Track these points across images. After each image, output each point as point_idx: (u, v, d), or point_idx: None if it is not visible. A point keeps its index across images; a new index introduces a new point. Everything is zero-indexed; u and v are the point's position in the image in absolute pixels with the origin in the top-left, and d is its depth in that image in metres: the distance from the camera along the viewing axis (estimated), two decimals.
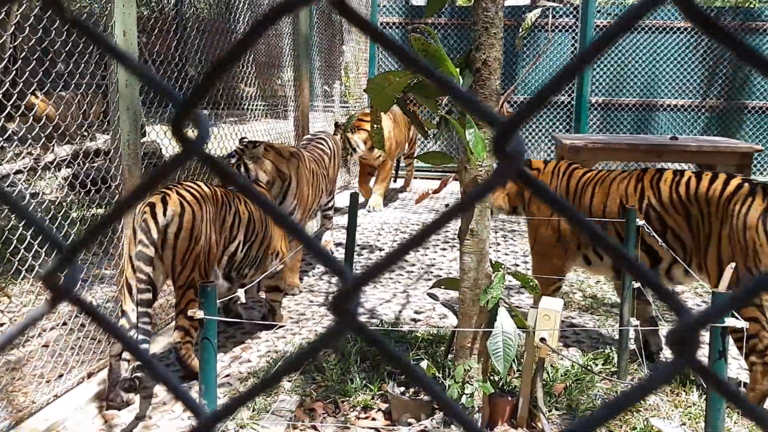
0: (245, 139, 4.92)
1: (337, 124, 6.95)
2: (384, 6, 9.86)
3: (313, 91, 7.83)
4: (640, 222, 3.67)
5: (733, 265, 2.71)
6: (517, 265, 5.86)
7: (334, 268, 0.49)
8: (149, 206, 3.49)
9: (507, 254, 6.25)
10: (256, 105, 6.46)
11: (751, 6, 10.73)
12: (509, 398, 3.28)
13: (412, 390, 3.37)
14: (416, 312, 4.84)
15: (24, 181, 5.28)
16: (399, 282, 5.52)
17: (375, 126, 3.53)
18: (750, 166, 6.34)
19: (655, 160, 6.65)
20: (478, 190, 0.51)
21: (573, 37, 9.51)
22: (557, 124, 9.82)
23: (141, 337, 3.26)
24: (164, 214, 3.47)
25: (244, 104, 6.30)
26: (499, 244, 6.52)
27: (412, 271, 5.79)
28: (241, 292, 3.46)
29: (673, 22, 9.44)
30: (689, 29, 9.44)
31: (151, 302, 3.43)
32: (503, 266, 3.45)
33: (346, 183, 8.82)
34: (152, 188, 0.51)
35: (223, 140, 5.37)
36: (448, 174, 5.84)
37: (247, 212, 3.93)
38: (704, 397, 3.19)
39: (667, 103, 9.64)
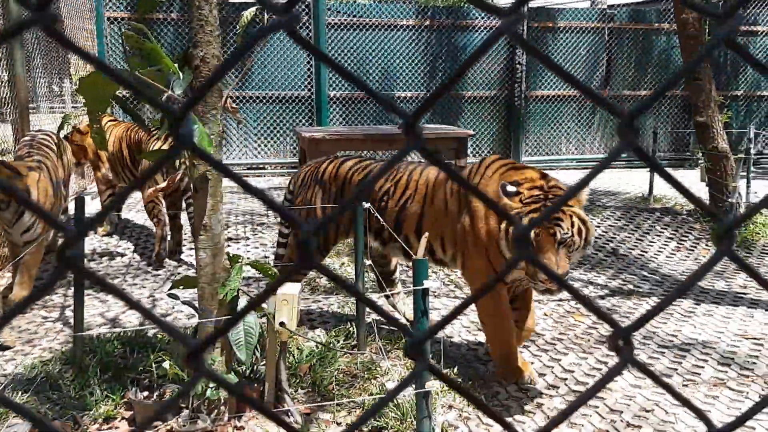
0: None
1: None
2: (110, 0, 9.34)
3: (34, 91, 7.19)
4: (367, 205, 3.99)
5: (427, 234, 3.08)
6: (267, 257, 5.98)
7: None
8: None
9: (257, 247, 6.34)
10: None
11: (461, 6, 11.96)
12: (255, 385, 3.38)
13: (156, 393, 3.33)
14: (164, 315, 4.74)
15: None
16: (144, 287, 5.34)
17: (95, 126, 3.39)
18: (465, 149, 7.12)
19: (387, 148, 7.18)
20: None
21: (307, 34, 9.84)
22: (300, 118, 10.12)
23: None
24: None
25: None
26: (248, 238, 6.59)
27: (158, 274, 5.63)
28: None
29: (400, 20, 10.20)
30: (414, 27, 10.27)
31: None
32: (242, 258, 3.53)
33: (82, 189, 8.25)
34: None
35: None
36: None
37: None
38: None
39: (398, 95, 10.40)
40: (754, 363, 3.99)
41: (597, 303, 3.90)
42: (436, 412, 3.24)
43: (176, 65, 3.17)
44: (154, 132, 5.18)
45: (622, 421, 3.32)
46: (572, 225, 3.19)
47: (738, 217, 0.68)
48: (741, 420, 0.67)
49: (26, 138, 5.42)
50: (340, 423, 3.26)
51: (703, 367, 3.94)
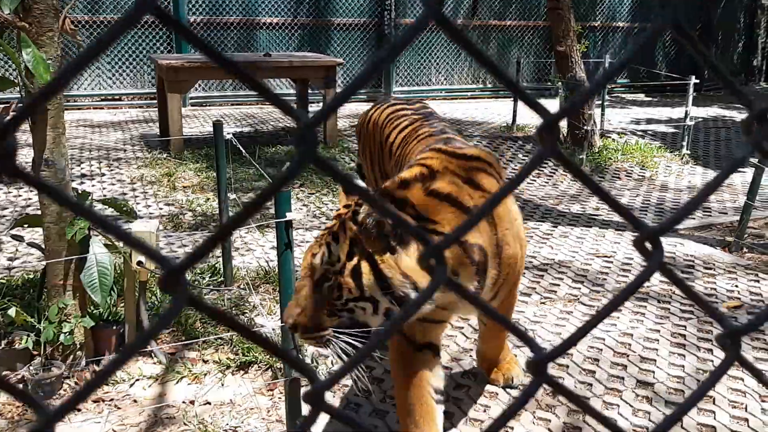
0: None
1: None
2: None
3: None
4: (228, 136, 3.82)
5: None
6: (125, 194, 5.65)
7: None
8: None
9: (113, 184, 5.97)
10: None
11: None
12: (115, 327, 3.21)
13: (4, 341, 3.08)
14: (10, 259, 4.38)
15: None
16: None
17: None
18: (334, 78, 6.98)
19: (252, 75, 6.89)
20: None
21: None
22: (158, 45, 9.50)
23: None
24: None
25: None
26: (104, 174, 6.19)
27: (4, 215, 5.18)
28: None
29: None
30: None
31: None
32: (91, 195, 3.30)
33: None
34: None
35: None
36: None
37: None
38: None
39: (264, 21, 9.99)
40: (605, 279, 4.28)
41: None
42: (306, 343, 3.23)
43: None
44: None
45: None
46: (347, 259, 1.95)
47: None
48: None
49: None
50: (207, 360, 3.18)
51: (559, 285, 4.17)
